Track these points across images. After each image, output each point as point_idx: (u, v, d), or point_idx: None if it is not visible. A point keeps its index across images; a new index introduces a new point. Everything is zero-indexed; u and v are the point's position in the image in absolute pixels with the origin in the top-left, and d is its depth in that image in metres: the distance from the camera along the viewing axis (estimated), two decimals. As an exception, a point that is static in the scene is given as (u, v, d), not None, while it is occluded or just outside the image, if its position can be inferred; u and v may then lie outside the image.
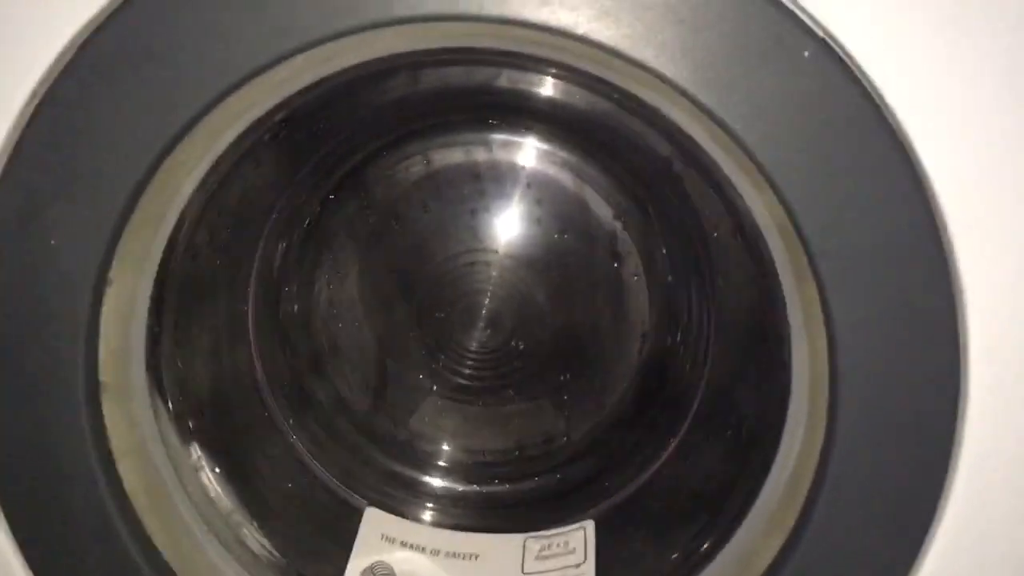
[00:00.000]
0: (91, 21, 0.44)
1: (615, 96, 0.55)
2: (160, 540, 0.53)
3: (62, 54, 0.44)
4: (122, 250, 0.48)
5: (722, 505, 0.60)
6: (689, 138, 0.52)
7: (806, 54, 0.45)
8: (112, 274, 0.49)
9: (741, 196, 0.53)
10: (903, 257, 0.47)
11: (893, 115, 0.45)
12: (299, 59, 0.46)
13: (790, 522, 0.52)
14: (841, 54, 0.45)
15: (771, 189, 0.47)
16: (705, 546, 0.59)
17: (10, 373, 0.48)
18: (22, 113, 0.45)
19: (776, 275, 0.53)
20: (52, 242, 0.46)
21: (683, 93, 0.46)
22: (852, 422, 0.49)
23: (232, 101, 0.46)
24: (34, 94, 0.45)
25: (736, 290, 0.64)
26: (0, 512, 0.50)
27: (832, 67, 0.45)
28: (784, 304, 0.54)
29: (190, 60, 0.45)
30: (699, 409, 0.67)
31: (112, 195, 0.46)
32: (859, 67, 0.45)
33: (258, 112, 0.51)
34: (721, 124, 0.46)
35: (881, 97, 0.45)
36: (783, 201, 0.47)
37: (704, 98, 0.46)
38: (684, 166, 0.61)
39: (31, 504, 0.50)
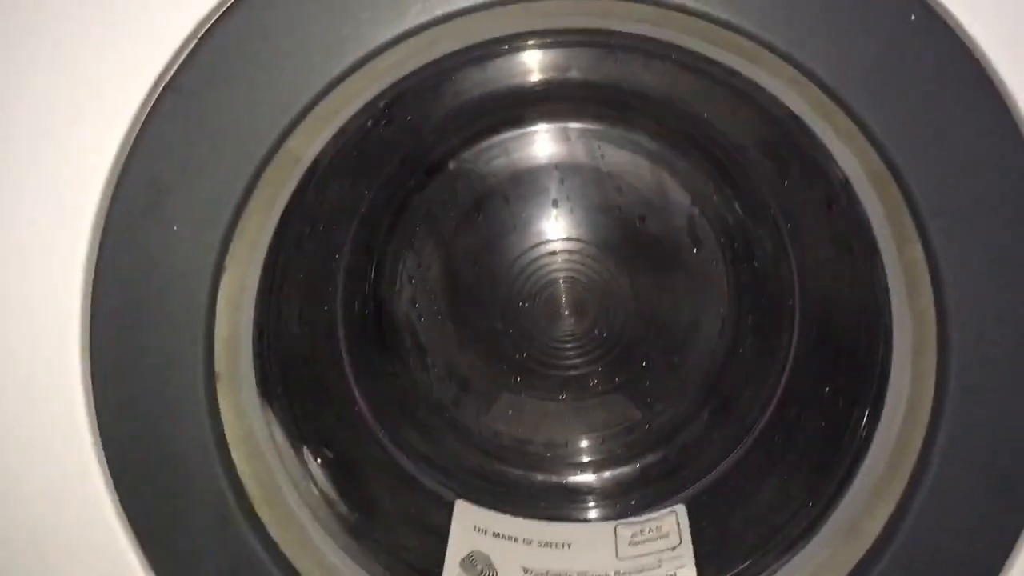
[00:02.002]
0: (213, 10, 0.45)
1: (707, 72, 0.56)
2: (274, 531, 0.53)
3: (185, 42, 0.46)
4: (238, 237, 0.49)
5: (819, 483, 0.60)
6: (786, 109, 0.53)
7: (912, 17, 0.46)
8: (227, 261, 0.49)
9: (838, 165, 0.53)
10: (1008, 215, 0.47)
11: (999, 77, 0.46)
12: (408, 43, 0.48)
13: (897, 493, 0.53)
14: (946, 18, 0.46)
15: (875, 150, 0.48)
16: (804, 523, 0.59)
17: (130, 360, 0.49)
18: (145, 102, 0.46)
19: (875, 243, 0.54)
20: (174, 228, 0.47)
21: (788, 59, 0.47)
22: (961, 390, 0.49)
23: (345, 86, 0.48)
24: (157, 83, 0.46)
25: (824, 267, 0.64)
26: (118, 502, 0.50)
27: (938, 30, 0.46)
28: (883, 271, 0.54)
29: (307, 46, 0.46)
30: (787, 389, 0.67)
31: (231, 182, 0.47)
32: (965, 32, 0.46)
33: (365, 98, 0.52)
34: (823, 87, 0.47)
35: (987, 59, 0.46)
36: (888, 161, 0.47)
37: (808, 62, 0.47)
38: (768, 146, 0.62)
39: (148, 494, 0.50)
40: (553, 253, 0.71)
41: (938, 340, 0.49)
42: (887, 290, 0.54)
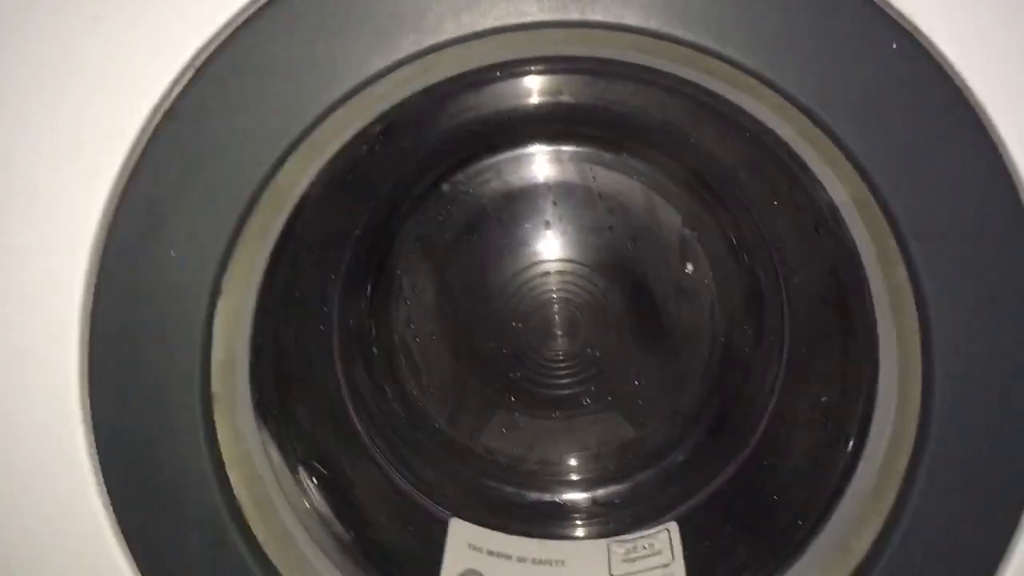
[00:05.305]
0: (211, 40, 0.46)
1: (694, 97, 0.57)
2: (269, 549, 0.54)
3: (183, 71, 0.46)
4: (234, 261, 0.50)
5: (809, 499, 0.61)
6: (770, 133, 0.54)
7: (894, 46, 0.47)
8: (224, 284, 0.50)
9: (824, 189, 0.54)
10: (991, 237, 0.48)
11: (979, 105, 0.47)
12: (403, 71, 0.49)
13: (884, 510, 0.53)
14: (927, 46, 0.47)
15: (859, 175, 0.49)
16: (794, 540, 0.60)
17: (127, 382, 0.50)
18: (144, 128, 0.47)
19: (861, 265, 0.55)
20: (172, 253, 0.48)
21: (773, 87, 0.48)
22: (946, 408, 0.50)
23: (341, 113, 0.49)
24: (156, 110, 0.47)
25: (813, 287, 0.65)
26: (115, 521, 0.50)
27: (919, 58, 0.47)
28: (869, 293, 0.55)
29: (302, 75, 0.47)
30: (777, 407, 0.68)
31: (228, 207, 0.48)
32: (945, 59, 0.47)
33: (360, 124, 0.53)
34: (808, 113, 0.48)
35: (967, 87, 0.47)
36: (871, 185, 0.48)
37: (793, 89, 0.48)
38: (756, 169, 0.63)
39: (144, 512, 0.51)
40: (546, 274, 0.72)
41: (923, 361, 0.50)
42: (874, 312, 0.55)
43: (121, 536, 0.51)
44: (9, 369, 0.49)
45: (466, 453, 0.74)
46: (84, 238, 0.48)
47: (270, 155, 0.48)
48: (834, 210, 0.55)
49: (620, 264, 0.72)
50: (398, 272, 0.72)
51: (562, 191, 0.72)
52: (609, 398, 0.74)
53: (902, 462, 0.52)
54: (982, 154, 0.47)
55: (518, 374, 0.73)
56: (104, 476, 0.50)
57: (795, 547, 0.59)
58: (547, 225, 0.72)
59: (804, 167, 0.55)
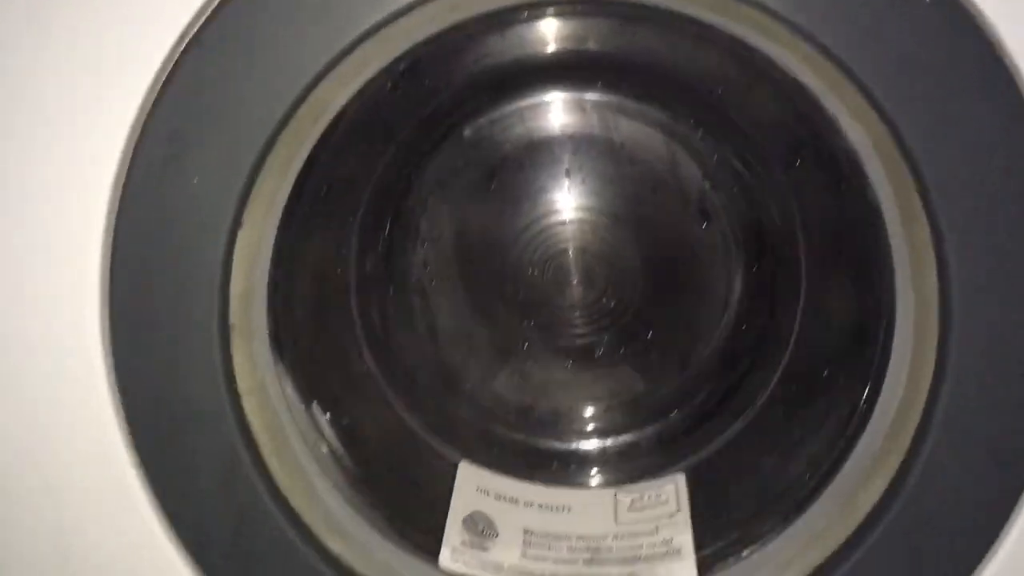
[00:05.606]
0: (238, -33, 0.46)
1: (724, 47, 0.56)
2: (281, 481, 0.55)
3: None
4: (255, 194, 0.50)
5: (817, 456, 0.61)
6: (800, 86, 0.53)
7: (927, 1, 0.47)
8: (245, 215, 0.50)
9: (849, 142, 0.54)
10: (1016, 197, 0.48)
11: (1011, 59, 0.47)
12: (429, 6, 0.48)
13: (894, 464, 0.54)
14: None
15: (886, 127, 0.48)
16: (802, 493, 0.61)
17: (146, 311, 0.50)
18: (169, 56, 0.47)
19: (882, 222, 0.55)
20: (194, 181, 0.48)
21: (803, 35, 0.47)
22: (960, 373, 0.50)
23: (365, 47, 0.48)
24: (182, 37, 0.47)
25: (832, 245, 0.65)
26: (131, 444, 0.51)
27: (953, 11, 0.46)
28: (889, 249, 0.55)
29: (329, 6, 0.47)
30: (790, 364, 0.68)
31: (251, 137, 0.48)
32: (979, 12, 0.46)
33: (384, 60, 0.53)
34: (839, 65, 0.48)
35: (1000, 40, 0.47)
36: (898, 139, 0.48)
37: (824, 39, 0.47)
38: (782, 123, 0.63)
39: (160, 438, 0.52)
40: (564, 223, 0.72)
41: (940, 320, 0.50)
42: (892, 270, 0.55)
43: (137, 461, 0.51)
44: (30, 297, 0.50)
45: (477, 398, 0.75)
46: (107, 165, 0.48)
47: (295, 86, 0.48)
48: (858, 165, 0.54)
49: (638, 215, 0.72)
50: (416, 215, 0.72)
51: (583, 140, 0.71)
52: (622, 350, 0.74)
53: (913, 421, 0.53)
54: (1012, 110, 0.47)
55: (532, 322, 0.73)
56: (122, 402, 0.51)
57: (802, 500, 0.59)
58: (567, 174, 0.72)
59: (831, 120, 0.54)
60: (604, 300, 0.72)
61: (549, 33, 0.67)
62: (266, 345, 0.57)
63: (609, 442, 0.75)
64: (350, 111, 0.55)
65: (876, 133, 0.50)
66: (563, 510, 0.68)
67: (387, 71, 0.54)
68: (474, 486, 0.68)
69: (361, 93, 0.54)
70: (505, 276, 0.72)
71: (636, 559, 0.62)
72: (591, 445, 0.75)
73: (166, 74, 0.47)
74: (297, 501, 0.55)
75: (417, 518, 0.64)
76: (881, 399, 0.56)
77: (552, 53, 0.68)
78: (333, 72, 0.48)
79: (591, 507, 0.68)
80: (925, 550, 0.52)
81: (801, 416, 0.66)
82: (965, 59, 0.47)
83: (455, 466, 0.68)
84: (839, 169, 0.58)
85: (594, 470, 0.73)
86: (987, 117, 0.47)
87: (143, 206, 0.49)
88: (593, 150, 0.72)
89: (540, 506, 0.68)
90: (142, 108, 0.47)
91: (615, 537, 0.64)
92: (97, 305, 0.50)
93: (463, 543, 0.62)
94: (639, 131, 0.71)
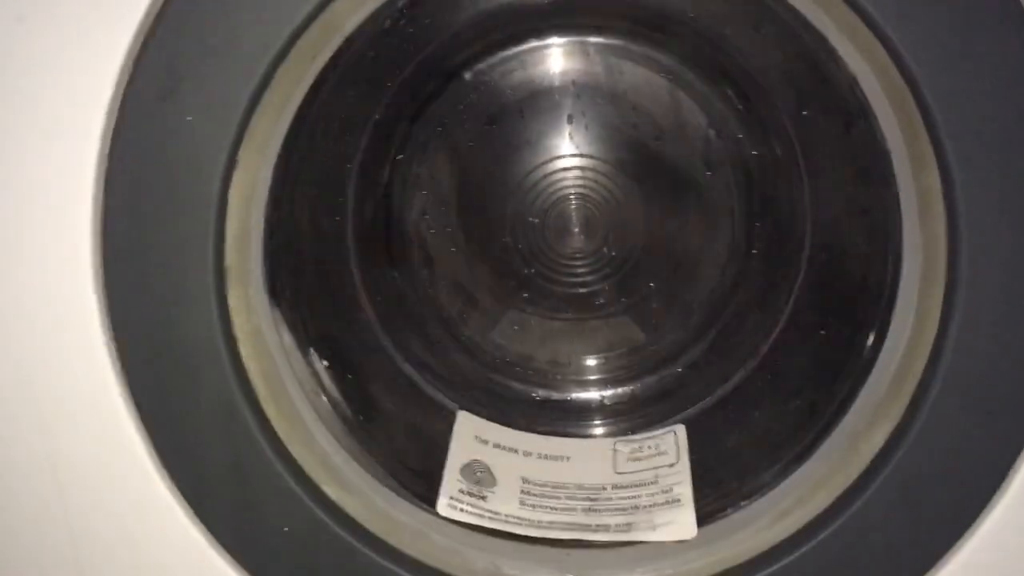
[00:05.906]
0: None
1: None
2: (278, 427, 0.54)
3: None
4: (251, 131, 0.49)
5: (819, 405, 0.61)
6: (809, 26, 0.52)
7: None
8: (240, 155, 0.49)
9: (859, 86, 0.53)
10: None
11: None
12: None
13: (896, 414, 0.53)
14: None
15: (898, 70, 0.47)
16: (802, 443, 0.60)
17: (140, 253, 0.49)
18: (162, -11, 0.46)
19: (891, 168, 0.54)
20: (188, 118, 0.47)
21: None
22: (966, 322, 0.49)
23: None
24: (175, -31, 0.45)
25: (838, 193, 0.64)
26: (126, 389, 0.51)
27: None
28: (897, 198, 0.54)
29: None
30: (793, 313, 0.68)
31: (247, 72, 0.47)
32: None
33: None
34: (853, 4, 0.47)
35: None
36: (910, 81, 0.47)
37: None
38: (791, 69, 0.61)
39: (156, 382, 0.51)
40: (565, 169, 0.71)
41: (947, 268, 0.49)
42: (900, 217, 0.54)
43: (133, 405, 0.51)
44: (22, 233, 0.49)
45: (476, 347, 0.74)
46: (100, 99, 0.47)
47: (292, 20, 0.47)
48: (867, 109, 0.53)
49: (641, 163, 0.71)
50: (416, 160, 0.71)
51: (586, 85, 0.70)
52: (622, 300, 0.73)
53: (917, 369, 0.52)
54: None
55: (532, 270, 0.72)
56: (116, 345, 0.50)
57: (803, 451, 0.59)
58: (569, 120, 0.70)
59: (841, 64, 0.53)
60: (605, 249, 0.72)
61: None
62: (262, 290, 0.56)
63: (608, 393, 0.74)
64: (348, 49, 0.54)
65: (885, 73, 0.49)
66: (562, 459, 0.67)
67: (387, 6, 0.53)
68: (472, 435, 0.68)
69: (360, 30, 0.52)
70: (505, 224, 0.72)
71: (635, 508, 0.62)
72: (591, 395, 0.75)
73: (159, 6, 0.46)
74: (294, 447, 0.54)
75: (415, 465, 0.64)
76: (885, 348, 0.56)
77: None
78: (332, 5, 0.47)
79: (590, 457, 0.68)
80: (926, 500, 0.51)
81: (802, 366, 0.66)
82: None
83: (453, 414, 0.68)
84: (848, 114, 0.57)
85: (594, 421, 0.73)
86: (1003, 60, 0.46)
87: (136, 145, 0.48)
88: (596, 96, 0.70)
89: (539, 455, 0.67)
90: (135, 39, 0.46)
91: (614, 487, 0.64)
92: (90, 247, 0.49)
93: (461, 491, 0.62)
94: (644, 77, 0.70)
